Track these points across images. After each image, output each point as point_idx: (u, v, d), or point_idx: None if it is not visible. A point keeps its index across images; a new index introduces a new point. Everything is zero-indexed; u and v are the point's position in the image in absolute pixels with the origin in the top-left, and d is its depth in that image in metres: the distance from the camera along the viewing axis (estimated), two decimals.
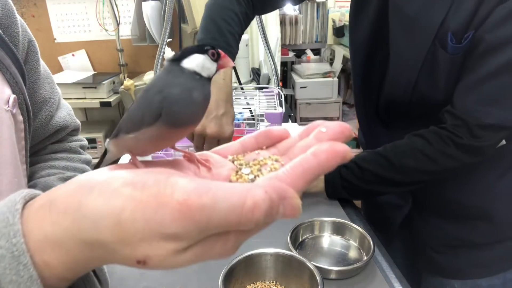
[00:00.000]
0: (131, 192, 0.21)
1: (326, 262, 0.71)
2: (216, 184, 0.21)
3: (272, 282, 0.64)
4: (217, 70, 0.30)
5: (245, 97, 1.38)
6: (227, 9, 0.83)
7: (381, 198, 0.99)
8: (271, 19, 2.36)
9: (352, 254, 0.73)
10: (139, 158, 0.28)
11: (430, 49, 0.73)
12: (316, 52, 3.36)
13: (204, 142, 0.79)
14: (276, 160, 0.28)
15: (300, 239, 0.75)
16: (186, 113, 0.27)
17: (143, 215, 0.20)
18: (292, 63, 3.22)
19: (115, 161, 0.33)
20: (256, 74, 2.17)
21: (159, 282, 0.64)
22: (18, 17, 0.55)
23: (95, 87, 2.16)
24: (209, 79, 0.29)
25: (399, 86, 0.82)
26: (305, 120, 3.08)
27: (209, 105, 0.29)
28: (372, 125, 0.96)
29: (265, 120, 1.09)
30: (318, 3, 3.11)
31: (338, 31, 3.05)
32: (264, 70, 2.16)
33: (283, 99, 1.20)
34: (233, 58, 0.81)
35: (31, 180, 0.61)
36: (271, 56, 1.69)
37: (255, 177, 0.27)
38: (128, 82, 2.13)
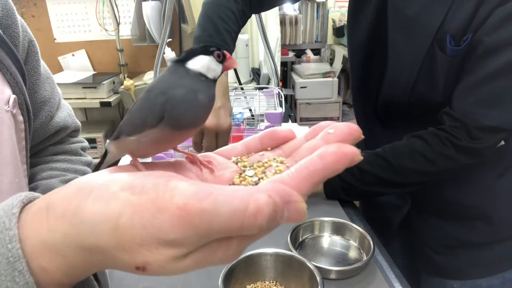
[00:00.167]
0: (129, 196, 0.20)
1: (326, 262, 0.71)
2: (218, 188, 0.20)
3: (272, 282, 0.64)
4: (222, 72, 0.29)
5: (245, 97, 1.38)
6: (224, 7, 0.84)
7: (379, 199, 0.99)
8: (271, 19, 2.36)
9: (352, 254, 0.73)
10: (140, 160, 0.28)
11: (428, 50, 0.73)
12: (316, 52, 3.37)
13: (203, 136, 0.79)
14: (281, 162, 0.27)
15: (300, 239, 0.75)
16: (190, 116, 0.27)
17: (141, 220, 0.20)
18: (292, 63, 3.22)
19: (116, 162, 0.33)
20: (256, 74, 2.17)
21: (159, 282, 0.64)
22: (19, 17, 0.55)
23: (95, 87, 2.16)
24: (214, 80, 0.28)
25: (398, 87, 0.82)
26: (305, 120, 3.08)
27: None
28: (370, 126, 0.96)
29: (265, 120, 1.09)
30: (318, 3, 3.12)
31: (338, 31, 3.05)
32: (264, 70, 2.16)
33: (283, 99, 1.20)
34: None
35: (32, 181, 0.61)
36: (271, 56, 1.69)
37: (259, 179, 0.26)
38: (128, 82, 2.13)
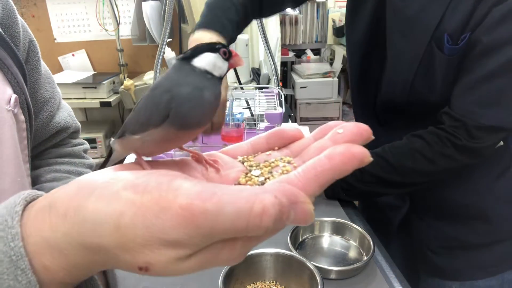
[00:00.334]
0: (131, 195, 0.20)
1: (326, 262, 0.71)
2: (222, 188, 0.20)
3: (272, 282, 0.64)
4: (228, 69, 0.29)
5: (245, 97, 1.38)
6: (227, 1, 0.82)
7: (378, 199, 0.99)
8: (271, 19, 2.37)
9: (352, 254, 0.73)
10: (145, 158, 0.28)
11: (426, 49, 0.73)
12: (316, 52, 3.36)
13: None
14: (288, 162, 0.27)
15: (300, 239, 0.76)
16: (196, 114, 0.26)
17: (144, 220, 0.19)
18: (292, 63, 3.22)
19: (121, 160, 0.33)
20: (256, 74, 2.17)
21: (159, 282, 0.64)
22: (19, 17, 0.55)
23: (95, 87, 2.16)
24: (220, 78, 0.28)
25: (396, 86, 0.82)
26: (305, 120, 3.08)
27: None
28: (370, 126, 0.96)
29: (265, 120, 1.09)
30: (318, 3, 3.11)
31: (338, 31, 3.05)
32: (264, 70, 2.16)
33: (283, 99, 1.20)
34: (230, 42, 0.78)
35: (36, 183, 0.61)
36: (271, 56, 1.69)
37: (265, 179, 0.25)
38: (128, 82, 2.13)
